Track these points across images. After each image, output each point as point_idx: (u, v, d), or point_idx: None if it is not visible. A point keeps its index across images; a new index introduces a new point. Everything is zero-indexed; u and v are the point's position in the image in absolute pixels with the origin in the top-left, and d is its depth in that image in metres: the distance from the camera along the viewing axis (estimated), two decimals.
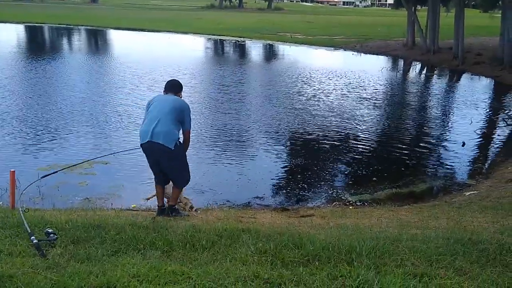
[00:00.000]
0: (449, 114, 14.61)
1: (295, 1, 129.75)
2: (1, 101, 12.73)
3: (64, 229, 4.07)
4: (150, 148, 4.97)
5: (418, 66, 26.14)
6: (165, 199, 5.46)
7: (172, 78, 5.81)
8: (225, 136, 10.46)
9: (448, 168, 9.25)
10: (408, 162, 9.52)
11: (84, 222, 4.36)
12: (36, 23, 44.11)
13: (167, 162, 5.06)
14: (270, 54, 31.43)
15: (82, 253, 3.53)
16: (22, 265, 3.24)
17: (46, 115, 11.52)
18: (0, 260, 3.34)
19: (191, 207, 5.81)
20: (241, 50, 32.57)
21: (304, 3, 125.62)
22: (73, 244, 3.76)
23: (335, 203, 7.13)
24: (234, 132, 10.81)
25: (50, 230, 3.80)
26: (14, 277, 3.01)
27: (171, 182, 5.35)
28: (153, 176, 5.33)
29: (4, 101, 12.82)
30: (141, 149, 5.11)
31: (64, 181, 7.25)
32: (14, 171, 5.34)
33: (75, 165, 6.81)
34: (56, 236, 3.74)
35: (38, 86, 15.56)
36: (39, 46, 30.75)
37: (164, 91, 5.41)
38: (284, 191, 7.76)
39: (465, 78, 22.46)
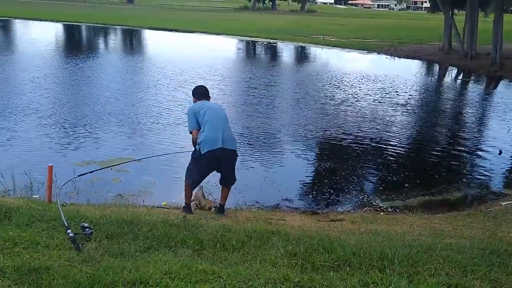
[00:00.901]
0: (485, 121, 14.23)
1: (328, 4, 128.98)
2: (38, 99, 13.11)
3: (99, 224, 4.16)
4: (222, 153, 5.38)
5: (454, 71, 25.55)
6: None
7: (199, 85, 6.08)
8: (254, 138, 10.46)
9: (483, 177, 9.00)
10: (442, 169, 9.31)
11: (118, 218, 4.45)
12: (74, 22, 45.31)
13: (233, 164, 5.61)
14: (302, 56, 31.33)
15: (116, 248, 3.60)
16: (59, 258, 3.33)
17: (80, 113, 11.80)
18: (37, 252, 3.44)
19: (210, 208, 6.08)
20: (273, 52, 32.60)
21: (338, 6, 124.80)
22: (107, 239, 3.84)
23: (365, 208, 7.04)
24: (263, 135, 10.80)
25: (86, 225, 3.89)
26: (50, 269, 3.09)
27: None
28: (190, 180, 5.61)
29: (41, 99, 13.18)
30: (203, 157, 5.35)
31: (98, 177, 7.41)
32: (52, 166, 5.50)
33: (124, 162, 6.85)
34: (91, 231, 3.82)
35: (73, 84, 15.97)
36: (75, 45, 31.57)
37: (196, 98, 5.73)
38: (313, 195, 7.72)
39: (503, 85, 21.83)
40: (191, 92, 5.94)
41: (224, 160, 5.48)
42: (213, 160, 5.43)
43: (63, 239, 3.74)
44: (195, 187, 5.80)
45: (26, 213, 4.26)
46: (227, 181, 5.74)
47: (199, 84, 6.18)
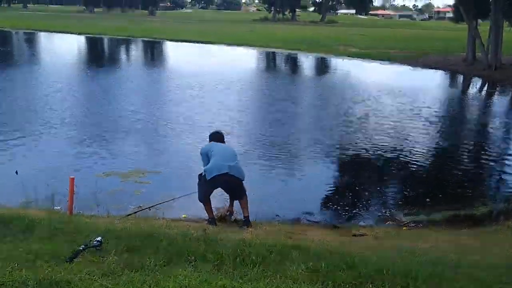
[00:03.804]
0: (511, 134, 13.90)
1: (349, 14, 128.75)
2: (59, 112, 13.30)
3: (119, 237, 4.17)
4: (225, 179, 5.84)
5: (478, 82, 25.11)
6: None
7: (215, 131, 6.71)
8: (273, 152, 10.32)
9: (510, 191, 8.76)
10: (467, 183, 9.09)
11: (138, 231, 4.46)
12: (97, 35, 46.23)
13: (239, 189, 6.05)
14: (322, 68, 31.25)
15: (136, 262, 3.59)
16: (79, 271, 3.33)
17: (100, 126, 11.93)
18: (59, 265, 3.45)
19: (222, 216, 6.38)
20: (293, 63, 32.58)
21: (359, 16, 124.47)
22: (128, 252, 3.84)
23: (388, 223, 6.90)
24: (283, 148, 10.71)
25: (98, 238, 3.90)
26: (71, 283, 3.10)
27: None
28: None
29: (62, 111, 13.36)
30: (210, 181, 5.85)
31: (119, 188, 7.48)
32: (74, 178, 5.55)
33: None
34: (99, 242, 3.84)
35: (94, 97, 16.21)
36: (97, 57, 32.03)
37: (212, 141, 6.34)
38: (335, 208, 7.60)
39: None
40: (208, 136, 6.53)
41: (228, 185, 6.01)
42: (218, 186, 6.01)
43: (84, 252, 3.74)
44: (208, 201, 6.10)
45: (48, 226, 4.31)
46: (239, 195, 6.15)
47: (215, 130, 6.83)
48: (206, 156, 6.04)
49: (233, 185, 5.99)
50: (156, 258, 3.76)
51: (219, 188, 6.27)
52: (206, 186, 5.93)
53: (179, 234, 4.45)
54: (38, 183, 7.16)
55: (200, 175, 6.02)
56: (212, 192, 6.11)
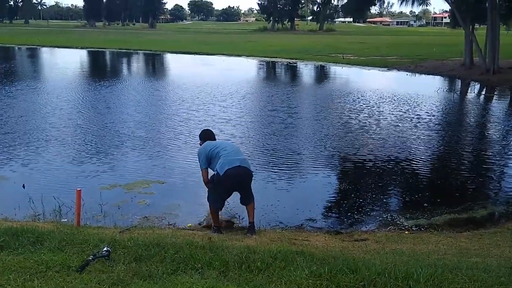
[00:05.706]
0: (510, 137, 13.98)
1: (347, 22, 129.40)
2: (63, 125, 13.46)
3: (127, 246, 4.27)
4: (239, 172, 5.84)
5: (476, 86, 25.24)
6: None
7: (205, 129, 6.77)
8: (276, 158, 10.49)
9: (510, 194, 8.84)
10: (467, 186, 9.17)
11: (145, 240, 4.55)
12: (98, 48, 46.62)
13: (250, 183, 6.08)
14: (321, 76, 31.44)
15: (144, 271, 3.69)
16: (90, 281, 3.44)
17: (102, 137, 12.08)
18: (69, 275, 3.55)
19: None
20: (292, 72, 32.80)
21: (357, 24, 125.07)
22: (135, 261, 3.93)
23: (390, 227, 6.98)
24: (285, 155, 10.83)
25: (106, 248, 4.01)
26: None
27: None
28: (217, 203, 6.07)
29: (66, 125, 13.51)
30: (223, 176, 5.79)
31: (124, 199, 7.57)
32: (81, 190, 5.66)
33: None
34: (108, 253, 3.94)
35: (97, 110, 16.35)
36: (99, 71, 32.35)
37: (206, 139, 6.31)
38: (337, 214, 7.70)
39: None
40: (198, 136, 6.53)
41: (243, 178, 5.94)
42: (234, 181, 5.85)
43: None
44: (220, 210, 6.12)
45: (57, 237, 4.41)
46: (248, 198, 6.12)
47: (205, 128, 6.86)
48: (205, 157, 5.98)
49: (246, 178, 5.96)
50: (164, 266, 3.85)
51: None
52: (220, 186, 5.89)
53: (185, 243, 4.54)
54: (44, 197, 7.26)
55: (212, 176, 6.00)
56: (228, 196, 6.10)
